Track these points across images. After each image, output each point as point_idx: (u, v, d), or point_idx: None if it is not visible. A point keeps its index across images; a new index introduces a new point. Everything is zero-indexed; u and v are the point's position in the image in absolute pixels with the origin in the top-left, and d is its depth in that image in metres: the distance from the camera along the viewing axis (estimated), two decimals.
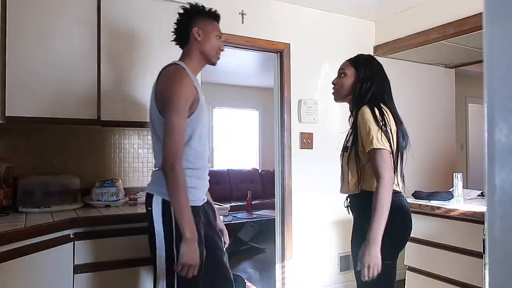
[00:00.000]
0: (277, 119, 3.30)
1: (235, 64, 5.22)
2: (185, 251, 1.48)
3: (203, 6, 1.71)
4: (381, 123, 1.66)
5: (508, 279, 0.44)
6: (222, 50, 1.75)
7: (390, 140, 1.66)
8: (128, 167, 2.62)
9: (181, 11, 1.71)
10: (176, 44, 1.76)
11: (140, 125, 2.35)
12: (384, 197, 1.60)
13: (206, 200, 1.73)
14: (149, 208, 1.59)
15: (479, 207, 2.28)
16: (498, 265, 0.45)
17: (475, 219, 2.20)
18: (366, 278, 1.59)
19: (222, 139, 6.85)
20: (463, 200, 2.46)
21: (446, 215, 2.37)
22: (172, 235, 1.53)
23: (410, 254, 2.55)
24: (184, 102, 1.54)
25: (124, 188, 2.34)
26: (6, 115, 1.99)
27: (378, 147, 1.63)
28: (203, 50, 1.69)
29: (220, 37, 1.73)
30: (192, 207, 1.54)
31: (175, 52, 2.42)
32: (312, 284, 3.31)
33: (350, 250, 1.89)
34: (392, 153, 1.68)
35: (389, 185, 1.62)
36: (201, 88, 1.71)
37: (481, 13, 0.47)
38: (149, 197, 1.61)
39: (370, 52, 3.67)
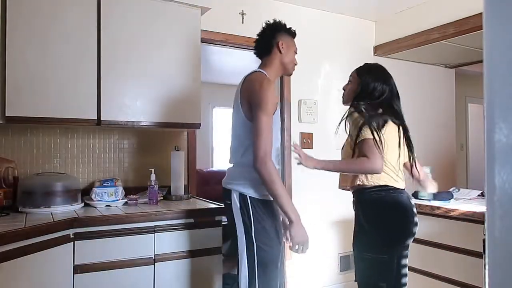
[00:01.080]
0: None
1: (235, 64, 5.21)
2: (294, 233, 1.68)
3: (285, 23, 1.91)
4: (366, 117, 1.83)
5: (508, 279, 0.44)
6: (296, 64, 1.93)
7: (373, 131, 1.80)
8: (128, 167, 2.62)
9: (265, 25, 1.90)
10: (255, 53, 1.93)
11: (140, 125, 2.35)
12: (355, 164, 1.83)
13: None
14: (228, 202, 1.79)
15: (479, 207, 2.28)
16: (498, 265, 0.45)
17: (475, 219, 2.19)
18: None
19: (222, 139, 6.84)
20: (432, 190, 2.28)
21: (446, 215, 2.37)
22: (251, 224, 1.72)
23: (410, 254, 2.55)
24: (272, 104, 1.70)
25: (124, 188, 2.34)
26: (6, 115, 1.99)
27: (362, 138, 1.81)
28: (283, 61, 1.86)
29: (296, 53, 1.92)
30: (269, 201, 1.74)
31: (173, 53, 2.43)
32: (312, 284, 3.31)
33: (352, 248, 1.93)
34: (375, 141, 1.79)
35: (372, 162, 1.77)
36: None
37: (481, 13, 0.47)
38: (227, 192, 1.79)
39: (370, 52, 3.68)
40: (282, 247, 1.80)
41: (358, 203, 1.92)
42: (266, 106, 1.67)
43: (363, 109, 1.86)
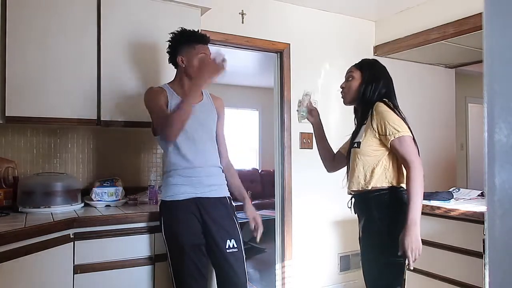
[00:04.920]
0: (277, 119, 3.30)
1: (235, 64, 5.22)
2: None
3: (185, 33, 1.91)
4: (397, 112, 1.74)
5: (508, 279, 0.44)
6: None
7: (409, 127, 1.73)
8: (128, 167, 2.62)
9: (170, 38, 1.94)
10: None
11: (140, 125, 2.34)
12: (417, 183, 1.64)
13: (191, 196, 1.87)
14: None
15: (479, 207, 2.28)
16: (498, 265, 0.45)
17: (475, 219, 2.19)
18: (412, 262, 1.63)
19: None
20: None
21: (446, 215, 2.37)
22: None
23: None
24: (149, 105, 1.93)
25: (124, 188, 2.34)
26: (6, 115, 1.99)
27: (401, 135, 1.69)
28: (188, 73, 1.90)
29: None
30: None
31: None
32: (312, 284, 3.31)
33: (360, 250, 1.88)
34: (414, 139, 1.73)
35: (419, 168, 1.66)
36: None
37: (481, 13, 0.47)
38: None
39: (370, 52, 3.68)
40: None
41: (373, 206, 1.77)
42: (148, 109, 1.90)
43: (391, 104, 1.76)
